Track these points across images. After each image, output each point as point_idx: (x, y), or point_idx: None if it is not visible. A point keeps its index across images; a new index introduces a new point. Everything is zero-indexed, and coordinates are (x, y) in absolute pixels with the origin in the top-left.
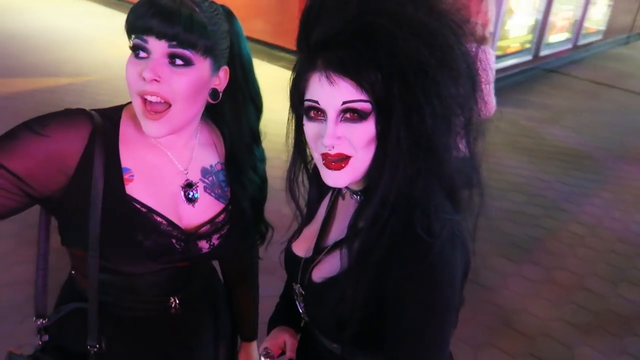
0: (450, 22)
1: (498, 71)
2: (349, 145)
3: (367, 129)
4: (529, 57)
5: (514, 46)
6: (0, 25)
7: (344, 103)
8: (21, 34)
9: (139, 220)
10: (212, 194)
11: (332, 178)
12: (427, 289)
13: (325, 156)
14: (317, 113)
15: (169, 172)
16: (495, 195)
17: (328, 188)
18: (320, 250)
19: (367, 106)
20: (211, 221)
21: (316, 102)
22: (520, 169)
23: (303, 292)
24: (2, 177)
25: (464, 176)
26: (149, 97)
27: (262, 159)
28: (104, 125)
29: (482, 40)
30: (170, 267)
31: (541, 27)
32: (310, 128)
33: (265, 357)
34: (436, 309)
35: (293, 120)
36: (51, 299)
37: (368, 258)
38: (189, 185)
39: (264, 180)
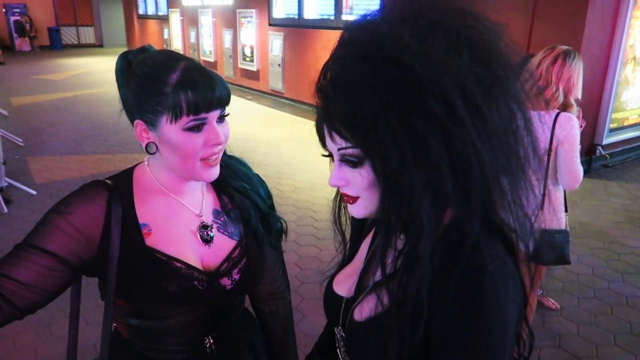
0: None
1: (616, 144)
2: (353, 189)
3: (366, 173)
4: None
5: (633, 118)
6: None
7: (338, 149)
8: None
9: (161, 268)
10: (225, 232)
11: (350, 209)
12: (475, 331)
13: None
14: (331, 156)
15: (184, 218)
16: (612, 277)
17: (371, 225)
18: (362, 289)
19: (357, 151)
20: (228, 258)
21: (326, 147)
22: None
23: (344, 335)
24: (46, 260)
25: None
26: (215, 156)
27: (239, 161)
28: (119, 190)
29: (565, 107)
30: (201, 306)
31: None
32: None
33: None
34: (485, 354)
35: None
36: None
37: (407, 297)
38: (204, 227)
39: (251, 178)
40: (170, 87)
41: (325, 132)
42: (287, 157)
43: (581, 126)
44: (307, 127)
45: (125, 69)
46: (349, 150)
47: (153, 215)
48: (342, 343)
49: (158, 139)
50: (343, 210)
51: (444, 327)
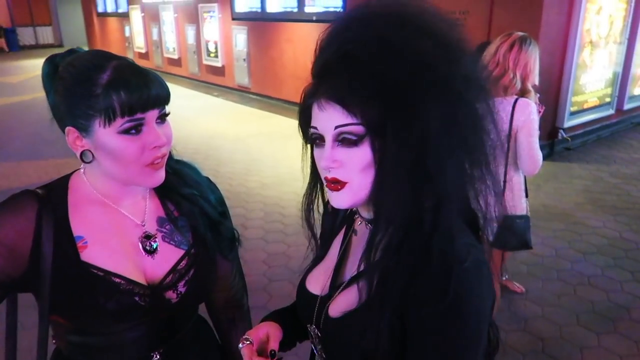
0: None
1: (576, 127)
2: (344, 172)
3: (362, 153)
4: (610, 112)
5: (592, 101)
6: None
7: (336, 127)
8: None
9: (98, 284)
10: (171, 242)
11: (333, 199)
12: (451, 322)
13: (325, 179)
14: (320, 139)
15: (124, 229)
16: (574, 258)
17: (341, 223)
18: (337, 286)
19: (359, 129)
20: (174, 269)
21: (315, 127)
22: (604, 229)
23: (319, 333)
24: None
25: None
26: (159, 160)
27: (187, 165)
28: (51, 200)
29: (523, 93)
30: (147, 321)
31: (622, 81)
32: (316, 154)
33: (243, 344)
34: (462, 344)
35: (308, 150)
36: None
37: (387, 288)
38: (147, 237)
39: (200, 184)
40: (101, 87)
41: (332, 107)
42: (254, 153)
43: (539, 111)
44: (274, 122)
45: (53, 74)
46: (350, 128)
47: (90, 227)
48: (317, 340)
49: (93, 146)
50: (313, 206)
51: (420, 319)
